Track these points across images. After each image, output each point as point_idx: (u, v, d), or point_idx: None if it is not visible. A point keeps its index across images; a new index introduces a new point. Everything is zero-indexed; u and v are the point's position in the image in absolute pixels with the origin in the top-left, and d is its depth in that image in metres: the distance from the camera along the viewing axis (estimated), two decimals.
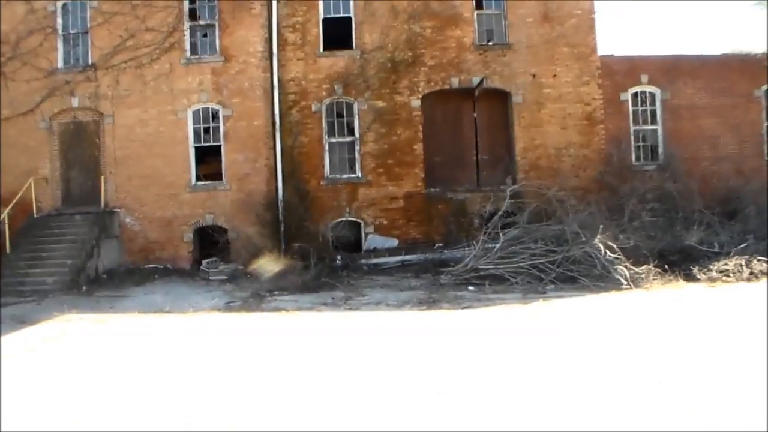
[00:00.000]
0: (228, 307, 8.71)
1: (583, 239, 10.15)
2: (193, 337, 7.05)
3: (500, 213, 10.57)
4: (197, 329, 7.49)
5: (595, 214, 10.52)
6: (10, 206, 11.86)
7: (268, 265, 11.49)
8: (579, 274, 9.74)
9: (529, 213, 10.75)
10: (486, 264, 10.33)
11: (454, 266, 10.51)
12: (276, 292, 9.73)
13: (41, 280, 10.90)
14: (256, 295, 9.64)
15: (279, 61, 12.20)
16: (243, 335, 6.99)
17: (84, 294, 10.52)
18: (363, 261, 11.54)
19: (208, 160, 12.55)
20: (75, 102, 12.63)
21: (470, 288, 9.82)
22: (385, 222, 12.27)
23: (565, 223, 10.40)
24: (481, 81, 12.05)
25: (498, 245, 10.29)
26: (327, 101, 12.40)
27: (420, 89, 12.38)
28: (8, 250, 11.55)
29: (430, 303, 8.78)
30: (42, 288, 10.65)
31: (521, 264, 10.10)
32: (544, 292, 9.24)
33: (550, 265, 9.93)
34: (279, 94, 12.12)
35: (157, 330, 7.50)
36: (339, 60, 12.44)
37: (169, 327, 7.65)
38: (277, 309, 8.53)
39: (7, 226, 11.66)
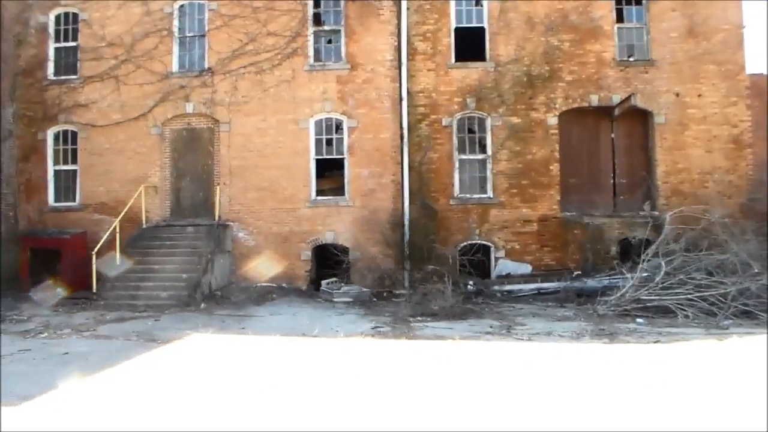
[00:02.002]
0: (379, 333, 8.62)
1: (756, 271, 10.79)
2: (369, 366, 6.77)
3: (659, 240, 11.16)
4: (364, 357, 7.23)
5: (764, 243, 11.12)
6: (121, 215, 12.84)
7: (394, 288, 12.21)
8: (756, 309, 10.36)
9: (685, 241, 11.39)
10: (648, 294, 10.97)
11: (600, 296, 11.13)
12: (419, 318, 9.80)
13: (155, 294, 11.01)
14: (401, 320, 9.61)
15: (408, 71, 12.46)
16: (426, 366, 6.77)
17: (203, 311, 10.54)
18: (496, 287, 11.59)
19: (329, 173, 12.78)
20: (189, 108, 13.00)
21: (639, 320, 9.49)
22: (517, 246, 12.33)
23: (729, 252, 11.02)
24: (628, 98, 11.91)
25: (660, 274, 10.90)
26: (458, 115, 12.58)
27: (557, 106, 12.54)
28: (118, 261, 12.06)
29: (608, 335, 8.44)
30: (156, 303, 10.74)
31: (689, 296, 10.72)
32: (726, 328, 8.88)
33: (722, 298, 10.53)
34: (408, 106, 12.41)
35: (319, 357, 7.25)
36: (471, 72, 12.64)
37: (329, 353, 7.40)
38: (437, 337, 8.38)
39: (118, 235, 12.22)
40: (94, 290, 11.60)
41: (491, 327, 9.22)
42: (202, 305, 11.06)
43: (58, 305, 11.41)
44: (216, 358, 7.16)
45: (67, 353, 7.39)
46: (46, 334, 8.82)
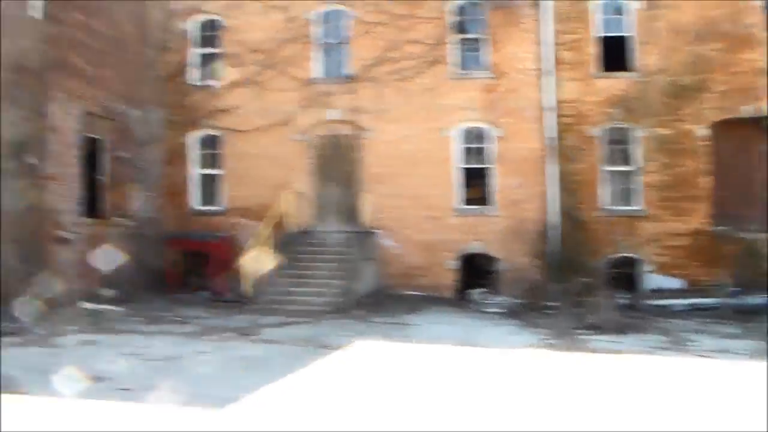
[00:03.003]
0: (549, 345, 8.93)
1: None
2: (553, 378, 7.08)
3: None
4: (544, 369, 7.53)
5: None
6: (269, 220, 13.06)
7: (542, 299, 13.05)
8: None
9: None
10: None
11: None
12: (580, 331, 10.15)
13: (308, 300, 11.65)
14: (563, 333, 9.94)
15: (555, 81, 12.94)
16: (615, 380, 7.07)
17: (358, 318, 11.12)
18: (648, 302, 12.00)
19: (473, 182, 13.30)
20: (332, 114, 13.69)
21: None
22: (667, 260, 12.59)
23: None
24: None
25: None
26: (604, 126, 12.92)
27: (707, 117, 12.71)
28: (268, 266, 12.48)
29: None
30: (310, 308, 11.32)
31: None
32: None
33: None
34: (554, 116, 12.97)
35: (495, 367, 7.58)
36: (617, 82, 12.90)
37: (504, 364, 7.74)
38: (611, 351, 8.66)
39: (268, 240, 12.83)
40: (246, 293, 12.51)
41: (661, 342, 9.61)
42: (356, 312, 11.71)
43: (210, 307, 12.27)
44: (391, 365, 7.67)
45: (244, 357, 8.01)
46: (215, 336, 9.50)
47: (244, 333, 9.72)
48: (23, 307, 10.16)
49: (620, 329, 10.34)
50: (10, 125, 10.70)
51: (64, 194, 11.66)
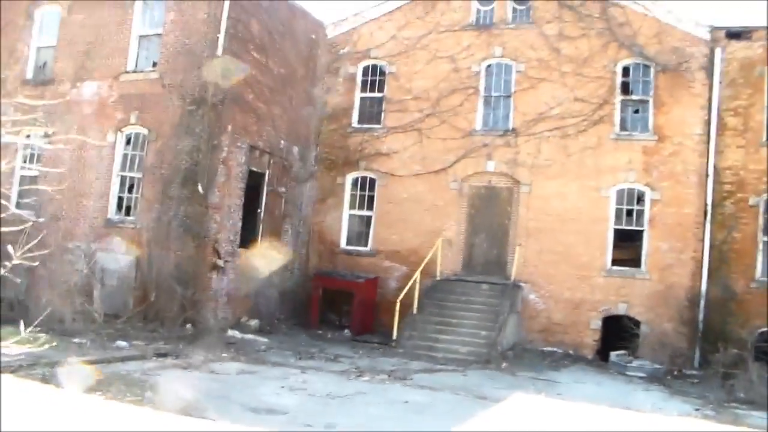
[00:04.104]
0: (705, 416, 14.55)
1: None
2: None
3: None
4: None
5: None
6: (420, 266, 25.44)
7: (684, 367, 23.64)
8: None
9: None
10: None
11: None
12: (734, 404, 16.05)
13: (453, 348, 20.01)
14: (716, 404, 15.94)
15: (716, 146, 22.87)
16: None
17: (504, 371, 18.46)
18: None
19: (625, 244, 23.33)
20: (490, 166, 24.65)
21: None
22: None
23: None
24: None
25: None
26: (766, 196, 22.63)
27: None
28: (416, 311, 23.00)
29: None
30: (456, 357, 19.25)
31: None
32: None
33: None
34: (714, 182, 22.77)
35: None
36: None
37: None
38: None
39: (418, 285, 24.07)
40: (391, 337, 22.86)
41: None
42: (504, 364, 19.34)
43: (353, 347, 20.99)
44: (555, 422, 12.97)
45: (407, 402, 13.64)
46: (367, 378, 15.97)
47: (396, 376, 16.33)
48: (178, 330, 19.66)
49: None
50: (185, 154, 21.95)
51: (225, 224, 21.12)
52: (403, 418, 12.74)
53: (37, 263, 12.38)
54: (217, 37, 21.45)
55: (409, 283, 22.43)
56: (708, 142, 23.56)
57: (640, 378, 20.15)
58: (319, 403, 13.20)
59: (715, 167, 23.45)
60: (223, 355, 17.59)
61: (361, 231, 26.05)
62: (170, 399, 12.10)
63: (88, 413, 10.59)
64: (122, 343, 17.43)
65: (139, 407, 11.34)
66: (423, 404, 13.81)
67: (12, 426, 9.05)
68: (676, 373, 21.48)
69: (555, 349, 23.66)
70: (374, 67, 26.56)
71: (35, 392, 11.38)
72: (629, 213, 24.32)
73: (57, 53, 23.64)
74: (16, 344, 10.61)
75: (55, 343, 13.33)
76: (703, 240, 23.28)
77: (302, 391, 14.14)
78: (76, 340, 16.65)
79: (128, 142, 22.74)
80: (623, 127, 24.60)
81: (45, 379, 12.20)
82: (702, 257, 23.19)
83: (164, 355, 16.66)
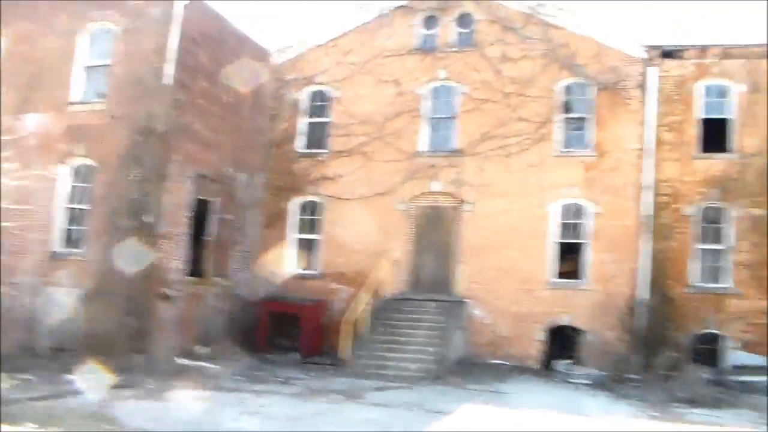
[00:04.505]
0: (652, 417, 16.24)
1: None
2: None
3: None
4: None
5: None
6: (367, 288, 25.60)
7: (626, 372, 26.71)
8: None
9: None
10: None
11: None
12: (675, 404, 18.09)
13: (403, 366, 21.00)
14: (659, 405, 17.78)
15: (654, 160, 24.97)
16: None
17: (455, 385, 19.62)
18: (732, 377, 22.48)
19: (567, 257, 25.00)
20: (436, 186, 26.43)
21: None
22: (752, 337, 23.18)
23: None
24: None
25: None
26: (700, 205, 24.38)
27: None
28: (364, 331, 23.94)
29: None
30: (405, 374, 20.42)
31: None
32: None
33: None
34: (651, 194, 24.83)
35: None
36: (716, 163, 24.10)
37: None
38: (715, 424, 15.85)
39: (366, 305, 24.60)
40: (340, 357, 22.52)
41: (757, 417, 16.76)
42: (452, 379, 20.48)
43: (303, 369, 21.50)
44: (503, 428, 14.53)
45: (364, 419, 14.55)
46: (322, 398, 16.96)
47: (349, 396, 17.27)
48: (128, 361, 18.56)
49: (712, 404, 18.16)
50: (133, 184, 22.70)
51: (173, 253, 21.41)
52: None
53: None
54: (165, 67, 22.54)
55: (355, 304, 24.52)
56: (645, 157, 26.29)
57: (586, 385, 22.25)
58: (279, 425, 14.11)
59: (652, 180, 26.24)
60: (177, 383, 18.17)
61: (309, 255, 27.91)
62: (130, 430, 12.69)
63: None
64: (71, 377, 18.09)
65: None
66: (380, 422, 14.88)
67: None
68: (619, 378, 23.46)
69: (502, 361, 25.54)
70: (320, 92, 28.46)
71: None
72: (572, 227, 26.62)
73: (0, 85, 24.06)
74: None
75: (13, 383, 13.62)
76: (641, 250, 25.96)
77: (259, 414, 15.07)
78: (25, 376, 16.65)
79: (75, 174, 24.02)
80: (565, 145, 26.98)
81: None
82: (640, 266, 25.88)
83: (116, 387, 17.10)
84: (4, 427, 12.18)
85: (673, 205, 26.29)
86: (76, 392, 16.28)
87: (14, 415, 13.13)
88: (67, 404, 14.93)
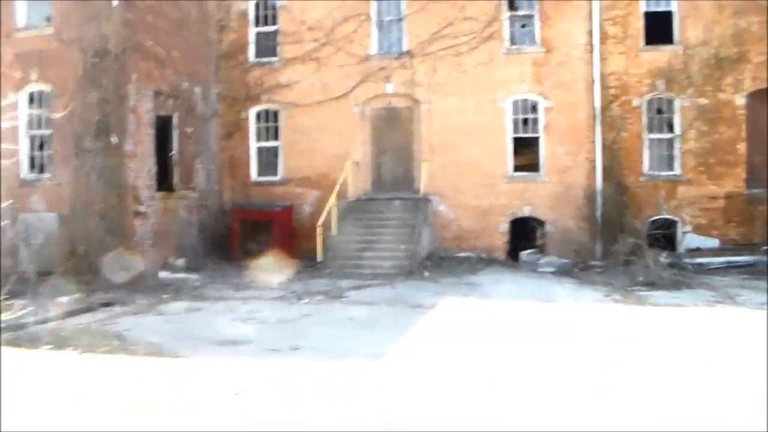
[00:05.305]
0: (614, 300, 17.05)
1: None
2: (637, 330, 13.66)
3: None
4: (622, 322, 14.55)
5: None
6: (334, 190, 28.23)
7: (589, 259, 27.83)
8: None
9: None
10: None
11: None
12: (635, 288, 18.73)
13: (377, 264, 22.00)
14: (621, 289, 18.54)
15: (601, 54, 25.50)
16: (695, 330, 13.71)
17: (428, 279, 20.62)
18: (687, 260, 23.91)
19: (524, 151, 25.77)
20: (389, 88, 26.60)
21: None
22: (704, 221, 24.75)
23: None
24: None
25: None
26: (648, 97, 25.06)
27: (744, 87, 24.84)
28: (335, 232, 24.64)
29: None
30: (381, 272, 21.25)
31: None
32: None
33: None
34: (600, 87, 25.35)
35: (577, 320, 14.70)
36: (661, 55, 25.06)
37: (585, 317, 14.96)
38: (673, 305, 16.30)
39: (335, 208, 25.96)
40: (317, 259, 24.73)
41: (712, 297, 17.54)
42: (425, 274, 21.68)
43: (282, 274, 21.39)
44: (487, 321, 14.76)
45: (352, 318, 15.19)
46: (306, 300, 17.70)
47: (332, 296, 18.14)
48: (113, 279, 20.06)
49: (670, 286, 18.94)
50: (94, 107, 22.79)
51: (141, 170, 21.67)
52: (356, 334, 14.02)
53: None
54: None
55: (326, 207, 24.79)
56: (592, 51, 26.84)
57: (551, 273, 23.31)
58: (275, 329, 14.53)
59: (600, 74, 26.77)
60: (164, 296, 19.03)
61: (270, 161, 27.98)
62: (139, 344, 13.09)
63: (76, 368, 11.49)
64: (63, 299, 18.40)
65: (115, 356, 12.18)
66: (367, 319, 15.37)
67: (23, 392, 9.85)
68: (582, 265, 24.68)
69: (469, 254, 26.51)
70: (266, 1, 28.35)
71: (15, 357, 12.08)
72: (525, 122, 27.21)
73: None
74: None
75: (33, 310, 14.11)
76: (594, 142, 26.66)
77: (253, 320, 15.55)
78: (21, 301, 15.79)
79: (31, 100, 24.03)
80: (513, 42, 27.23)
81: (13, 343, 12.90)
82: (595, 157, 26.70)
83: (109, 304, 17.80)
84: (25, 350, 12.66)
85: (623, 97, 26.94)
86: (74, 313, 16.74)
87: (28, 339, 13.61)
88: (70, 325, 15.19)
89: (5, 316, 12.08)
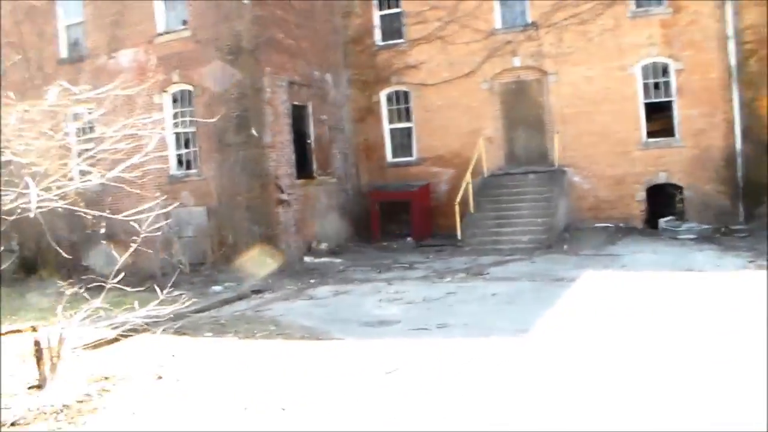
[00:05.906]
0: (760, 267, 15.78)
1: None
2: None
3: None
4: None
5: None
6: (470, 168, 27.21)
7: (730, 224, 26.44)
8: None
9: None
10: None
11: None
12: None
13: (516, 239, 22.12)
14: (766, 254, 17.17)
15: (733, 8, 24.55)
16: None
17: (567, 252, 20.33)
18: None
19: (656, 116, 25.00)
20: (516, 62, 26.19)
21: None
22: None
23: None
24: None
25: None
26: None
27: None
28: (472, 209, 24.89)
29: None
30: (519, 246, 21.34)
31: None
32: None
33: None
34: (735, 44, 24.80)
35: (728, 289, 14.18)
36: None
37: (735, 286, 14.42)
38: None
39: (470, 185, 25.67)
40: (458, 237, 24.45)
41: None
42: (564, 246, 21.41)
43: (422, 252, 23.26)
44: (631, 292, 14.49)
45: (495, 294, 15.11)
46: (448, 279, 17.75)
47: (473, 273, 18.21)
48: (263, 266, 20.85)
49: None
50: (233, 102, 23.65)
51: (281, 160, 22.61)
52: (500, 309, 14.04)
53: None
54: None
55: (462, 184, 24.83)
56: (723, 6, 25.31)
57: (691, 240, 22.41)
58: (421, 308, 14.74)
59: (734, 29, 25.29)
60: (311, 281, 19.51)
61: (403, 142, 28.42)
62: (293, 328, 13.70)
63: (242, 353, 12.05)
64: (217, 288, 19.34)
65: (273, 340, 12.81)
66: (510, 294, 15.40)
67: (198, 375, 10.43)
68: (723, 230, 23.77)
69: (606, 224, 25.89)
70: None
71: (184, 345, 12.82)
72: (656, 86, 26.26)
73: (86, 28, 25.20)
74: (160, 305, 11.71)
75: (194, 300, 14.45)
76: (731, 101, 25.35)
77: (399, 300, 15.83)
78: (175, 292, 17.90)
79: (175, 100, 24.96)
80: (639, 5, 26.29)
81: (178, 332, 13.52)
82: (733, 117, 25.36)
83: (260, 291, 18.44)
84: (186, 338, 13.53)
85: (760, 52, 25.23)
86: (227, 301, 17.71)
87: (191, 327, 14.52)
88: (226, 313, 16.15)
89: (170, 308, 12.28)
